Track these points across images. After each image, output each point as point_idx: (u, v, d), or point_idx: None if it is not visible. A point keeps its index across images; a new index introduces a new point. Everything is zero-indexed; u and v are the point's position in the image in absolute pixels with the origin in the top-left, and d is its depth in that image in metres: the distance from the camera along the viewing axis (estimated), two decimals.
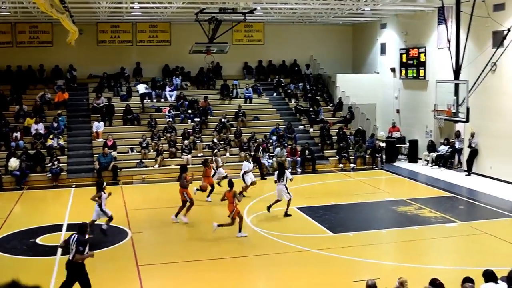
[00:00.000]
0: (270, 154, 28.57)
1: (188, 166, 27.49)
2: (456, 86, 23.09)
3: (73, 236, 11.96)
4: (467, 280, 9.36)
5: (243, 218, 18.01)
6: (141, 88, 32.06)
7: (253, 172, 23.23)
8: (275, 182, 19.99)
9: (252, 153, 26.64)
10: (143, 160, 27.74)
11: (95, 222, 17.38)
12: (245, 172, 22.67)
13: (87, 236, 12.31)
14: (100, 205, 17.25)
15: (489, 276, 9.66)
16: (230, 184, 17.86)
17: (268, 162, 28.05)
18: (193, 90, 33.76)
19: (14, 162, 25.86)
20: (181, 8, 27.28)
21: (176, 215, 19.11)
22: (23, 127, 28.77)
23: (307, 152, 28.68)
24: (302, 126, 32.11)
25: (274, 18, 31.79)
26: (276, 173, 20.14)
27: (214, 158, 24.41)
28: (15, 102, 30.43)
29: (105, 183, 18.11)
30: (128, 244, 16.84)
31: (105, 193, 17.37)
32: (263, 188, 24.09)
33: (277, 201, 19.83)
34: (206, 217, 19.58)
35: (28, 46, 32.81)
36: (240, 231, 17.31)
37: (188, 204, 19.15)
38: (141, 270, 14.55)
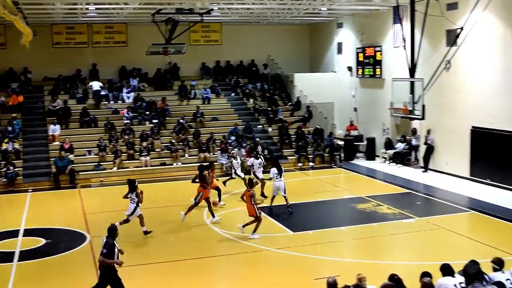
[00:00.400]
0: (229, 155, 28.51)
1: (146, 167, 27.41)
2: (412, 84, 23.41)
3: (103, 239, 11.98)
4: (425, 274, 9.48)
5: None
6: (96, 85, 31.69)
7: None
8: (270, 179, 20.23)
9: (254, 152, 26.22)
10: (101, 163, 27.42)
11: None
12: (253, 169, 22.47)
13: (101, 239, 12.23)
14: (137, 203, 17.36)
15: (446, 270, 9.81)
16: (250, 183, 17.98)
17: (226, 162, 28.01)
18: (151, 91, 33.50)
19: None
20: (138, 9, 27.02)
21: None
22: None
23: (266, 152, 28.71)
24: (261, 126, 32.15)
25: (231, 18, 31.76)
26: (273, 169, 20.11)
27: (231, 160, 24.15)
28: None
29: (137, 181, 18.00)
30: (87, 248, 16.61)
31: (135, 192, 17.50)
32: (223, 189, 24.05)
33: (274, 196, 20.09)
34: (163, 219, 19.45)
35: None
36: (254, 232, 17.17)
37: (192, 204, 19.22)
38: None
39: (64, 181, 25.97)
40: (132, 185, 17.53)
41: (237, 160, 23.69)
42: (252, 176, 21.71)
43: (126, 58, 33.92)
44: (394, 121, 27.68)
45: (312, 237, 17.23)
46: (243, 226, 17.31)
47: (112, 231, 12.10)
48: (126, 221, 17.37)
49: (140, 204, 17.47)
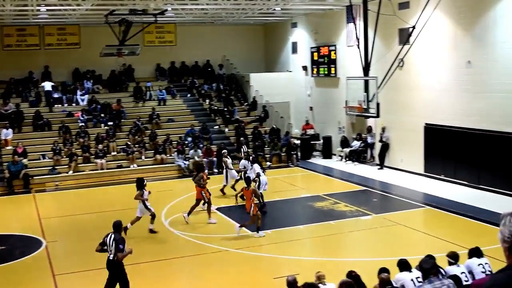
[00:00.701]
0: (186, 156, 28.44)
1: (102, 170, 27.12)
2: (366, 83, 23.65)
3: (109, 236, 11.92)
4: (383, 270, 9.62)
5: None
6: (48, 85, 31.19)
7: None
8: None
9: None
10: (56, 167, 27.00)
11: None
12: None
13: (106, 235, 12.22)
14: (144, 203, 17.46)
15: (403, 265, 9.96)
16: (248, 181, 17.98)
17: (184, 164, 27.92)
18: (106, 93, 33.15)
19: None
20: (90, 10, 26.65)
21: (189, 213, 18.98)
22: None
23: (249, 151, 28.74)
24: (217, 127, 32.13)
25: (185, 19, 31.65)
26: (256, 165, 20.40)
27: (223, 159, 23.52)
28: None
29: (145, 181, 18.11)
30: (43, 254, 16.35)
31: (145, 191, 17.57)
32: (181, 190, 23.97)
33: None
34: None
35: None
36: (258, 231, 17.16)
37: (203, 202, 19.13)
38: (57, 280, 14.18)
39: (18, 186, 25.50)
40: (140, 184, 17.71)
41: (229, 160, 23.34)
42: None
43: (79, 60, 33.47)
44: (349, 119, 27.95)
45: (270, 236, 17.27)
46: (240, 227, 17.33)
47: (118, 226, 12.25)
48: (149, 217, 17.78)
49: (147, 203, 17.63)
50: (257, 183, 19.68)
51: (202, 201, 19.15)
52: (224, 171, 23.11)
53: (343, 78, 28.44)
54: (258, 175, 20.34)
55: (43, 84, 31.43)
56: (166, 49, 35.39)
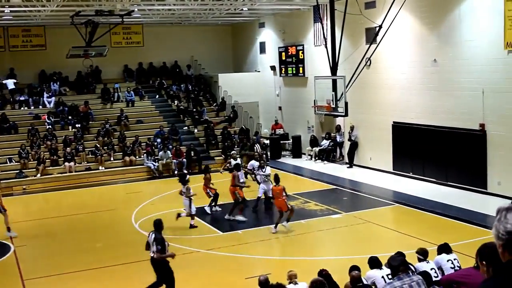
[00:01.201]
0: (155, 157, 28.30)
1: (71, 173, 26.84)
2: (334, 82, 23.77)
3: (150, 235, 12.19)
4: (354, 268, 9.68)
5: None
6: (10, 83, 30.74)
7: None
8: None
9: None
10: (23, 170, 26.66)
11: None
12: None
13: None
14: (190, 198, 17.98)
15: (374, 262, 10.05)
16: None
17: (154, 165, 27.78)
18: (73, 95, 32.81)
19: None
20: (56, 12, 26.32)
21: (230, 213, 19.00)
22: None
23: (192, 153, 28.63)
24: (186, 127, 32.02)
25: (152, 19, 31.48)
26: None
27: (228, 160, 23.05)
28: None
29: (188, 176, 18.61)
30: (11, 259, 16.12)
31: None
32: (150, 192, 23.86)
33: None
34: (89, 225, 19.11)
35: None
36: (276, 226, 17.38)
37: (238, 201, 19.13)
38: (26, 285, 14.00)
39: None
40: (183, 179, 18.11)
41: (237, 160, 23.02)
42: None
43: (45, 61, 33.06)
44: (318, 118, 28.08)
45: (241, 236, 17.29)
46: (275, 227, 17.35)
47: (159, 225, 12.30)
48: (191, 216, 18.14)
49: (192, 199, 18.01)
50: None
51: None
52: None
53: (311, 78, 28.55)
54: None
55: (5, 81, 30.95)
56: (134, 50, 35.13)
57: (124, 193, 24.43)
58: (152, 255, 12.09)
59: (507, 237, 2.81)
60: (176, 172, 27.72)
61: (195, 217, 18.39)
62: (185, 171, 27.59)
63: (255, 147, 26.11)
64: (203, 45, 36.87)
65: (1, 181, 25.67)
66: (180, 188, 18.40)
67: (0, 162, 27.14)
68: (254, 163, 22.42)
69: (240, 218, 18.87)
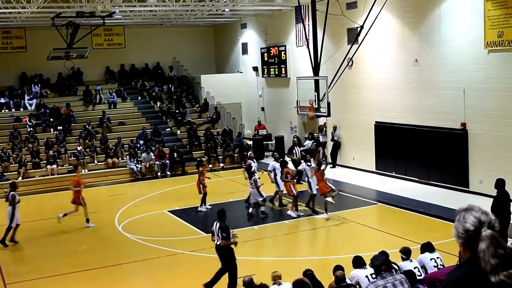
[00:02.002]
0: (138, 159, 28.19)
1: (53, 176, 26.66)
2: (316, 82, 23.80)
3: (214, 224, 12.72)
4: (338, 268, 9.72)
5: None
6: None
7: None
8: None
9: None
10: (4, 174, 26.43)
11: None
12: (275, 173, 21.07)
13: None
14: (257, 188, 18.90)
15: (357, 262, 10.09)
16: (319, 164, 18.71)
17: (136, 167, 27.67)
18: (55, 97, 32.61)
19: None
20: (36, 13, 26.08)
21: (296, 209, 19.15)
22: None
23: (175, 155, 28.55)
24: (169, 129, 31.94)
25: (134, 21, 31.36)
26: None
27: (247, 161, 22.07)
28: None
29: (254, 167, 20.05)
30: None
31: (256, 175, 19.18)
32: (133, 194, 23.77)
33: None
34: (73, 228, 19.01)
35: None
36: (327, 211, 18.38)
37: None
38: None
39: None
40: (248, 171, 19.64)
41: (255, 163, 22.52)
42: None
43: (26, 64, 32.83)
44: (301, 119, 28.13)
45: None
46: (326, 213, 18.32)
47: (223, 214, 12.91)
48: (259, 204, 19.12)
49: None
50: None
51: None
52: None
53: (294, 78, 28.58)
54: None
55: None
56: (115, 52, 34.96)
57: (107, 195, 24.31)
58: (218, 242, 12.53)
59: (466, 235, 3.01)
60: (159, 173, 27.68)
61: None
62: (168, 173, 27.65)
63: (294, 151, 25.52)
64: (185, 46, 36.82)
65: None
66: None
67: None
68: (275, 163, 22.06)
69: (292, 214, 19.10)
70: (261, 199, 19.26)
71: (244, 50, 34.98)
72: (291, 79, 29.88)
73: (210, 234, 13.13)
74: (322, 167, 19.21)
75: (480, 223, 3.00)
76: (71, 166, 27.49)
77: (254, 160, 23.00)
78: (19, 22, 29.39)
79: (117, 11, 27.29)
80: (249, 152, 24.31)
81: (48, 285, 13.90)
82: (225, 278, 12.69)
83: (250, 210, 19.30)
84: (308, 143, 28.97)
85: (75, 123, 30.70)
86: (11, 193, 17.69)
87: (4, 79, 32.55)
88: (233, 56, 36.47)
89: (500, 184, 13.91)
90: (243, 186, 24.86)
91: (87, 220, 19.05)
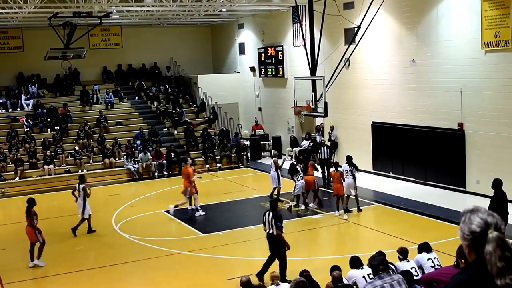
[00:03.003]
0: (135, 159, 28.15)
1: (50, 176, 26.63)
2: (313, 82, 23.82)
3: (267, 214, 12.97)
4: (335, 268, 9.72)
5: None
6: None
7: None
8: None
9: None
10: (1, 174, 26.39)
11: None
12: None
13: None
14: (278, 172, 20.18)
15: (354, 262, 10.09)
16: (336, 165, 19.04)
17: (134, 167, 27.65)
18: (52, 97, 32.55)
19: None
20: (33, 13, 26.07)
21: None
22: None
23: (172, 155, 28.53)
24: (166, 129, 31.91)
25: (131, 21, 31.34)
26: (344, 166, 19.86)
27: (273, 159, 21.74)
28: None
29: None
30: None
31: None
32: (131, 194, 23.74)
33: (348, 196, 19.66)
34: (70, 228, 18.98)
35: None
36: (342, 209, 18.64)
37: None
38: None
39: None
40: (292, 171, 19.83)
41: (280, 160, 22.43)
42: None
43: (23, 64, 32.78)
44: (298, 119, 28.11)
45: (222, 238, 17.27)
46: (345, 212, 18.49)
47: (275, 204, 13.50)
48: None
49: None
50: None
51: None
52: (275, 172, 21.59)
53: (291, 78, 28.59)
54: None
55: None
56: (112, 52, 34.92)
57: (104, 196, 24.29)
58: (270, 232, 12.81)
59: (471, 237, 2.96)
60: (156, 174, 27.67)
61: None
62: (165, 173, 27.63)
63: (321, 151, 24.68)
64: (182, 47, 36.81)
65: None
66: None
67: None
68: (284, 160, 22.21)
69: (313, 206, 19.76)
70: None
71: (241, 50, 34.97)
72: (288, 79, 29.88)
73: (263, 224, 13.26)
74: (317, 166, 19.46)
75: (487, 225, 2.94)
76: (68, 166, 27.55)
77: (281, 156, 23.15)
78: (16, 22, 29.37)
79: (114, 11, 27.28)
80: (273, 151, 24.05)
81: (45, 285, 13.88)
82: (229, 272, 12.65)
83: (303, 206, 19.79)
84: (305, 143, 29.00)
85: (72, 123, 30.65)
86: (81, 185, 18.26)
87: (1, 80, 32.50)
88: (230, 56, 36.46)
89: (497, 184, 13.92)
90: (240, 186, 24.90)
91: (197, 209, 19.86)
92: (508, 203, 14.09)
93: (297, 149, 29.19)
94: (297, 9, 26.77)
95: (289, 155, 29.64)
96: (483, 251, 2.89)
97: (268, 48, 31.60)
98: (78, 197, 18.19)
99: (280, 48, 30.65)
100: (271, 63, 31.52)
